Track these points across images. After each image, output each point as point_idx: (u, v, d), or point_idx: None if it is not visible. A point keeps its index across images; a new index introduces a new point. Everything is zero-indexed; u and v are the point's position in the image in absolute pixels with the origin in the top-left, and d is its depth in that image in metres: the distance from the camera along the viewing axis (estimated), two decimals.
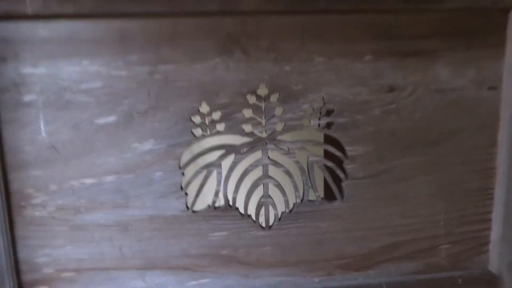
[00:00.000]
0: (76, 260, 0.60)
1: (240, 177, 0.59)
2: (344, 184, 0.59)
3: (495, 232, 0.62)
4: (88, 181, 0.57)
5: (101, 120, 0.55)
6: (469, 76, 0.59)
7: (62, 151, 0.56)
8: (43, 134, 0.55)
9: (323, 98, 0.57)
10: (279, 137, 0.57)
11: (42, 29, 0.52)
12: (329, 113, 0.58)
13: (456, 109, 0.60)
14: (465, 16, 0.57)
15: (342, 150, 0.60)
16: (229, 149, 0.59)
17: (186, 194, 0.59)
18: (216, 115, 0.57)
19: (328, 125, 0.59)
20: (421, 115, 0.58)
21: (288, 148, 0.58)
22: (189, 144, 0.57)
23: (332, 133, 0.58)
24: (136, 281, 0.61)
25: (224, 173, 0.58)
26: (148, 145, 0.57)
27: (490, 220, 0.64)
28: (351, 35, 0.56)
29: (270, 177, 0.59)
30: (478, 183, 0.62)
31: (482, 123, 0.60)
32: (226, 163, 0.59)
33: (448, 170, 0.60)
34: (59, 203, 0.58)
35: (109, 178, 0.57)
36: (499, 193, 0.62)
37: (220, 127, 0.57)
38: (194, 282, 0.62)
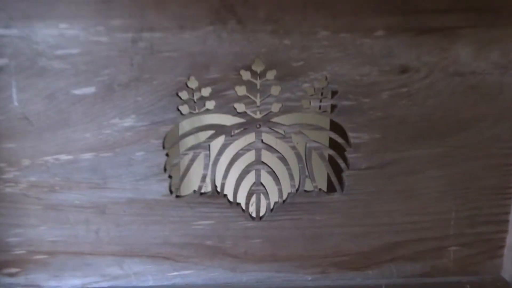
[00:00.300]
0: (50, 242, 0.57)
1: (230, 162, 0.56)
2: (345, 174, 0.56)
3: None
4: (63, 157, 0.54)
5: (79, 91, 0.52)
6: (493, 58, 0.52)
7: (36, 122, 0.53)
8: (15, 103, 0.52)
9: (326, 78, 0.52)
10: (275, 119, 0.54)
11: None
12: (332, 94, 0.53)
13: (476, 96, 0.54)
14: None
15: (344, 136, 0.55)
16: (218, 129, 0.55)
17: (170, 177, 0.55)
18: (206, 91, 0.53)
19: (331, 108, 0.54)
20: (435, 101, 0.54)
21: (284, 131, 0.55)
22: (174, 122, 0.53)
23: (335, 117, 0.54)
24: (113, 268, 0.58)
25: (212, 156, 0.56)
26: (129, 121, 0.53)
27: (506, 222, 0.59)
28: (361, 7, 0.50)
29: (263, 163, 0.56)
30: (495, 180, 0.57)
31: (504, 112, 0.55)
32: (215, 145, 0.55)
33: (462, 164, 0.56)
34: (32, 180, 0.55)
35: (86, 156, 0.54)
36: None
37: (210, 104, 0.53)
38: (175, 273, 0.59)
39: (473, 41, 0.52)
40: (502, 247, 0.60)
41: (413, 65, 0.52)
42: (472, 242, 0.59)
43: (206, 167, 0.56)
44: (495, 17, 0.51)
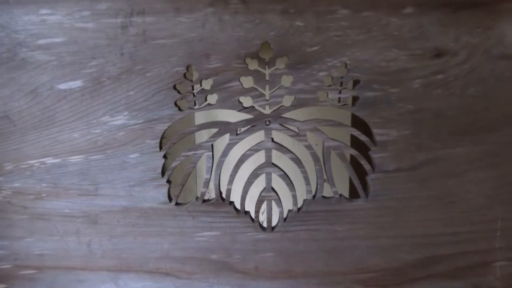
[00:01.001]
0: (37, 255, 0.53)
1: (236, 164, 0.51)
2: (370, 178, 0.50)
3: None
4: (50, 161, 0.50)
5: (64, 85, 0.48)
6: None
7: (18, 122, 0.49)
8: None
9: (346, 65, 0.46)
10: (287, 115, 0.49)
11: None
12: (353, 84, 0.48)
13: None
14: None
15: (369, 134, 0.49)
16: (222, 127, 0.50)
17: (168, 182, 0.51)
18: (207, 84, 0.47)
19: (352, 101, 0.48)
20: (477, 90, 0.47)
21: (298, 129, 0.49)
22: (171, 119, 0.48)
23: (357, 111, 0.48)
24: (108, 285, 0.55)
25: (216, 157, 0.50)
26: (121, 119, 0.48)
27: None
28: None
29: (274, 165, 0.51)
30: None
31: None
32: (219, 146, 0.50)
33: (508, 164, 0.50)
34: (16, 186, 0.51)
35: (74, 159, 0.50)
36: None
37: (212, 99, 0.48)
38: None
39: None
40: None
41: (449, 47, 0.46)
42: None
43: (209, 170, 0.50)
44: None
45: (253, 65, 0.47)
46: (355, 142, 0.50)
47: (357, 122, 0.50)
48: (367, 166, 0.49)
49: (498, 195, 0.50)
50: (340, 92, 0.47)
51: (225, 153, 0.50)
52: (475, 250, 0.52)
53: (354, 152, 0.49)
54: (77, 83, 0.47)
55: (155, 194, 0.50)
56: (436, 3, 0.44)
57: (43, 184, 0.50)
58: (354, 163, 0.50)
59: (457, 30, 0.45)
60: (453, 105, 0.47)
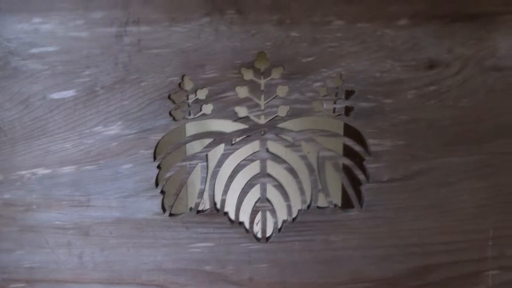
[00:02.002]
0: (27, 268, 0.52)
1: (231, 174, 0.51)
2: (364, 188, 0.50)
3: None
4: (41, 171, 0.49)
5: (57, 95, 0.47)
6: None
7: (9, 132, 0.48)
8: None
9: (341, 75, 0.46)
10: (282, 125, 0.49)
11: None
12: (348, 95, 0.48)
13: None
14: None
15: (363, 144, 0.49)
16: (217, 137, 0.49)
17: (162, 193, 0.50)
18: (202, 93, 0.47)
19: (347, 111, 0.48)
20: (470, 101, 0.48)
21: (293, 139, 0.49)
22: (166, 129, 0.48)
23: (351, 121, 0.48)
24: None
25: (211, 168, 0.50)
26: (114, 129, 0.48)
27: None
28: None
29: (269, 176, 0.51)
30: None
31: None
32: (214, 156, 0.50)
33: (502, 174, 0.50)
34: (6, 198, 0.50)
35: (66, 169, 0.49)
36: None
37: (207, 109, 0.48)
38: None
39: None
40: None
41: (443, 59, 0.46)
42: None
43: (203, 181, 0.50)
44: None
45: (248, 75, 0.47)
46: (349, 152, 0.50)
47: (351, 132, 0.50)
48: (361, 176, 0.50)
49: (491, 205, 0.51)
50: (335, 103, 0.48)
51: (219, 164, 0.50)
52: (468, 259, 0.52)
53: (348, 162, 0.49)
54: (70, 93, 0.47)
55: (149, 205, 0.50)
56: (430, 15, 0.45)
57: (34, 196, 0.49)
58: (349, 173, 0.50)
59: (450, 41, 0.45)
60: (446, 115, 0.48)
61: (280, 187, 0.51)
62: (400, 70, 0.46)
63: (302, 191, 0.50)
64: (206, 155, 0.49)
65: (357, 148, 0.49)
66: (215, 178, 0.50)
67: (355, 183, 0.50)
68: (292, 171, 0.50)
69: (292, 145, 0.49)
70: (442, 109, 0.48)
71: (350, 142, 0.49)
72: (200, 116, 0.48)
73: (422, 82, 0.47)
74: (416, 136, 0.48)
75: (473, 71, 0.46)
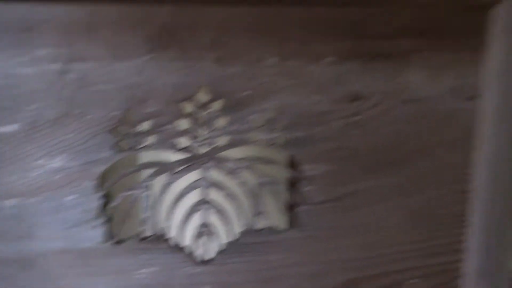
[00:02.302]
0: None
1: (174, 202, 0.52)
2: (299, 209, 0.53)
3: (471, 264, 0.57)
4: None
5: (1, 129, 0.47)
6: (446, 83, 0.52)
7: None
8: None
9: (276, 108, 0.50)
10: (222, 154, 0.51)
11: None
12: (282, 125, 0.51)
13: (429, 123, 0.53)
14: (440, 13, 0.50)
15: (297, 169, 0.52)
16: (160, 167, 0.50)
17: (107, 221, 0.50)
18: (144, 126, 0.49)
19: (282, 140, 0.51)
20: (388, 130, 0.52)
21: (233, 167, 0.51)
22: (110, 160, 0.49)
23: (286, 149, 0.51)
24: None
25: (154, 196, 0.51)
26: (58, 162, 0.48)
27: (463, 251, 0.57)
28: (310, 32, 0.48)
29: (210, 202, 0.53)
30: (452, 208, 0.56)
31: (459, 139, 0.53)
32: (157, 185, 0.51)
33: (418, 194, 0.55)
34: None
35: (10, 202, 0.49)
36: (475, 219, 0.56)
37: (149, 140, 0.49)
38: None
39: (425, 66, 0.51)
40: (458, 277, 0.58)
41: (365, 92, 0.51)
42: (430, 274, 0.57)
43: (147, 209, 0.51)
44: (447, 42, 0.50)
45: (189, 108, 0.49)
46: (285, 177, 0.53)
47: (287, 159, 0.53)
48: (296, 199, 0.53)
49: (408, 221, 0.55)
50: (270, 132, 0.51)
51: (162, 192, 0.51)
52: (393, 270, 0.56)
53: (284, 186, 0.52)
54: (14, 127, 0.47)
55: (93, 234, 0.50)
56: (352, 54, 0.49)
57: None
58: (285, 197, 0.53)
59: (370, 77, 0.50)
60: (368, 143, 0.52)
61: (221, 212, 0.52)
62: (327, 102, 0.50)
63: (242, 215, 0.52)
64: (150, 184, 0.51)
65: (292, 173, 0.52)
66: (158, 206, 0.51)
67: (292, 205, 0.53)
68: (232, 196, 0.52)
69: (232, 173, 0.51)
70: (365, 137, 0.52)
71: (285, 168, 0.52)
72: (143, 147, 0.49)
73: (347, 113, 0.51)
74: (343, 162, 0.52)
75: (390, 102, 0.51)
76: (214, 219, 0.52)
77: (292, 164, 0.52)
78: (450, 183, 0.54)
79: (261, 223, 0.53)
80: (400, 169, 0.53)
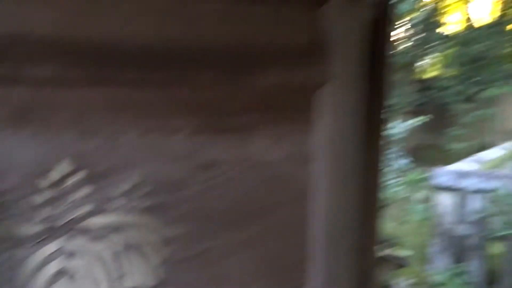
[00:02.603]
0: None
1: (31, 275, 0.51)
2: (162, 268, 0.56)
3: None
4: None
5: None
6: (283, 151, 0.60)
7: None
8: None
9: (137, 177, 0.53)
10: (83, 224, 0.52)
11: None
12: (144, 192, 0.54)
13: (271, 185, 0.60)
14: (279, 92, 0.58)
15: (160, 232, 0.55)
16: (16, 241, 0.50)
17: None
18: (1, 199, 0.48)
19: (143, 206, 0.54)
20: (238, 191, 0.59)
21: (95, 235, 0.53)
22: None
23: (148, 214, 0.54)
24: None
25: (12, 270, 0.50)
26: None
27: None
28: (166, 109, 0.53)
29: (71, 271, 0.53)
30: (293, 257, 0.63)
31: (295, 198, 0.62)
32: (13, 259, 0.50)
33: (264, 246, 0.61)
34: None
35: None
36: (314, 264, 0.63)
37: (6, 214, 0.49)
38: None
39: (267, 136, 0.59)
40: None
41: (216, 160, 0.57)
42: None
43: (4, 283, 0.50)
44: (285, 115, 0.59)
45: (50, 180, 0.49)
46: (148, 239, 0.55)
47: (149, 223, 0.55)
48: (159, 258, 0.56)
49: (258, 270, 0.61)
50: (132, 200, 0.54)
51: (18, 266, 0.50)
52: None
53: (149, 248, 0.55)
54: None
55: None
56: (205, 128, 0.55)
57: None
58: (150, 257, 0.55)
59: (221, 147, 0.56)
60: (221, 204, 0.58)
61: (84, 279, 0.53)
62: (184, 170, 0.55)
63: (107, 278, 0.53)
64: (5, 260, 0.49)
65: (155, 236, 0.55)
66: (18, 279, 0.50)
67: (156, 265, 0.56)
68: (96, 263, 0.53)
69: (94, 240, 0.53)
70: (218, 199, 0.58)
71: (148, 231, 0.55)
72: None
73: (202, 179, 0.56)
74: (200, 222, 0.57)
75: (239, 169, 0.58)
76: (77, 285, 0.53)
77: (155, 227, 0.55)
78: (290, 236, 0.62)
79: (127, 283, 0.55)
80: (249, 225, 0.60)
